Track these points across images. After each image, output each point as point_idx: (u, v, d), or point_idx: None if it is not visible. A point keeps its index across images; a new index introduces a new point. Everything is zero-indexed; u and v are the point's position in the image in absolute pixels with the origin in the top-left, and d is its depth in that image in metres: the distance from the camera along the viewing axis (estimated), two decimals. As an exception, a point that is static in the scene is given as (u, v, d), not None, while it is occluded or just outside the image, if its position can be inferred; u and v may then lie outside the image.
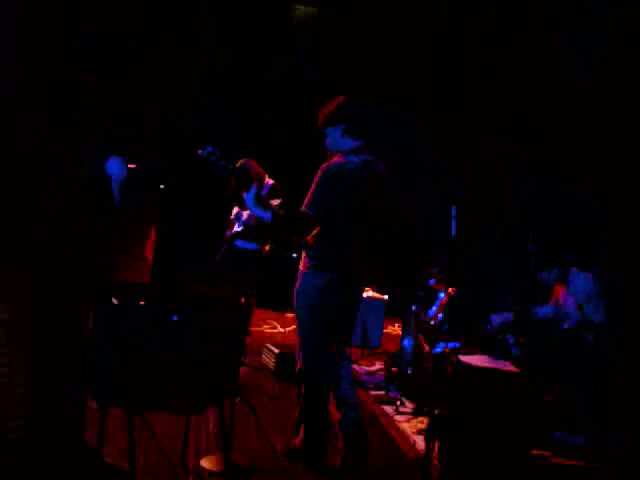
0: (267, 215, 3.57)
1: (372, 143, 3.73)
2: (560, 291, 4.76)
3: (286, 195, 5.27)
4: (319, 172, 3.58)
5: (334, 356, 3.71)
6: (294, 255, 5.47)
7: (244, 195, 3.56)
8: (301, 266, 3.72)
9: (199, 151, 3.55)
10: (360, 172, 3.60)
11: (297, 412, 3.83)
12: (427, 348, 4.68)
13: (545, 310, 4.89)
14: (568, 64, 6.40)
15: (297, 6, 8.46)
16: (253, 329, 6.64)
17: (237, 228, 5.61)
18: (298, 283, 3.70)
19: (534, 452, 3.68)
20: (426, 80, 8.30)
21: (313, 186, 3.57)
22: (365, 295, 6.61)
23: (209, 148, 3.55)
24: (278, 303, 7.81)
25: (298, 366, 3.74)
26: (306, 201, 3.57)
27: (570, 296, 4.66)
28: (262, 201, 3.64)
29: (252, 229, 5.47)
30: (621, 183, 5.67)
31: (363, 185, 3.62)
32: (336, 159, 3.64)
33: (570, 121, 6.31)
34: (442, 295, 4.98)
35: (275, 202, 5.04)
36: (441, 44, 8.38)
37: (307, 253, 3.68)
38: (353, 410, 3.69)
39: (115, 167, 4.22)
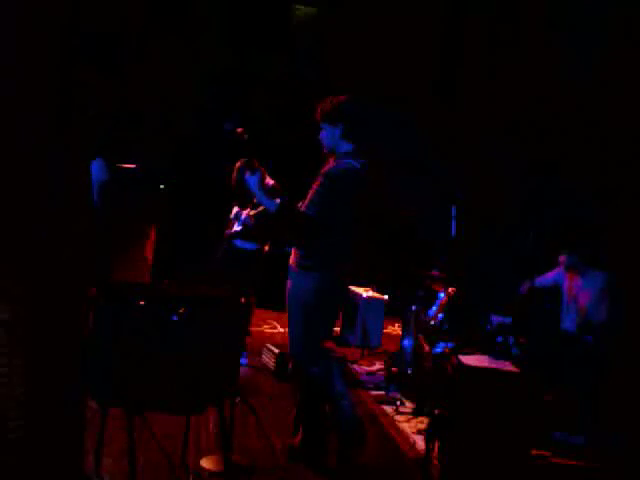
0: (272, 204, 3.60)
1: (369, 145, 3.77)
2: (573, 280, 4.75)
3: (286, 195, 5.27)
4: (321, 176, 3.62)
5: (327, 353, 3.74)
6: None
7: (248, 178, 3.58)
8: (292, 262, 3.73)
9: (226, 124, 3.59)
10: (361, 176, 3.65)
11: (295, 412, 3.84)
12: (427, 348, 4.69)
13: (547, 280, 4.90)
14: (568, 64, 6.40)
15: (297, 6, 8.46)
16: (253, 329, 6.64)
17: (236, 227, 5.62)
18: (291, 283, 3.72)
19: (534, 452, 3.68)
20: (426, 80, 8.29)
21: (315, 189, 3.59)
22: (365, 295, 6.61)
23: (232, 125, 3.61)
24: (278, 303, 7.79)
25: (290, 365, 3.75)
26: (307, 203, 3.58)
27: (584, 292, 4.65)
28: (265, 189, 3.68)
29: (251, 229, 5.47)
30: (621, 183, 5.68)
31: (362, 188, 3.67)
32: (337, 163, 3.67)
33: (570, 121, 6.31)
34: (442, 295, 4.98)
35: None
36: (441, 44, 8.38)
37: (301, 252, 3.69)
38: (347, 403, 3.69)
39: (96, 170, 4.27)
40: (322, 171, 3.65)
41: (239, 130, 3.64)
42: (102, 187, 4.25)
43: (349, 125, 3.66)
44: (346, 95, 3.73)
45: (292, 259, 3.75)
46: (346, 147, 3.68)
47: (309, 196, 3.61)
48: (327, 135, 3.70)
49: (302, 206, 3.63)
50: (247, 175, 3.60)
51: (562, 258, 4.79)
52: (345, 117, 3.66)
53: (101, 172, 4.23)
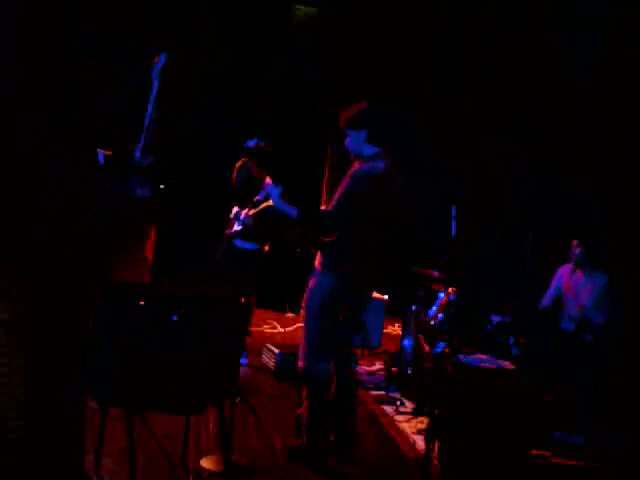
0: (293, 211, 3.68)
1: (390, 149, 3.84)
2: (575, 276, 4.73)
3: (286, 196, 5.27)
4: (347, 177, 3.71)
5: (338, 354, 3.78)
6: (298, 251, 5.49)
7: (271, 189, 3.70)
8: (316, 264, 3.78)
9: (248, 141, 3.73)
10: (385, 178, 3.73)
11: (297, 412, 3.85)
12: (427, 348, 4.69)
13: (551, 294, 4.87)
14: (568, 64, 6.40)
15: (297, 6, 8.46)
16: (253, 329, 6.64)
17: (236, 227, 5.62)
18: (312, 282, 3.77)
19: (534, 452, 3.68)
20: (426, 80, 8.29)
21: (341, 189, 3.69)
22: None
23: (255, 140, 3.74)
24: (278, 303, 7.81)
25: (300, 364, 3.77)
26: (333, 203, 3.68)
27: (585, 289, 4.64)
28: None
29: (250, 230, 5.47)
30: (621, 183, 5.67)
31: (386, 190, 3.74)
32: (362, 165, 3.74)
33: (570, 121, 6.31)
34: (442, 295, 4.98)
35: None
36: (441, 44, 8.38)
37: (324, 253, 3.75)
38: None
39: None
40: (348, 173, 3.75)
41: (262, 145, 3.77)
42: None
43: (373, 129, 3.73)
44: (365, 100, 3.82)
45: (317, 260, 3.80)
46: (370, 150, 3.77)
47: (335, 197, 3.70)
48: (352, 141, 3.80)
49: (328, 207, 3.74)
50: (270, 186, 3.69)
51: (575, 250, 4.75)
52: (369, 122, 3.76)
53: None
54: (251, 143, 3.77)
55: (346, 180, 3.71)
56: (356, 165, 3.78)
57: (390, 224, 3.87)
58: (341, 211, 3.65)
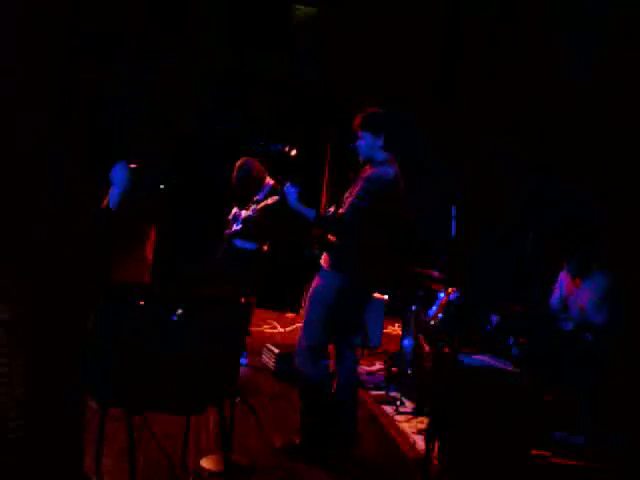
0: (310, 212, 3.70)
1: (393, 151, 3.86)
2: (575, 280, 4.73)
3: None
4: (362, 180, 3.73)
5: (321, 357, 3.80)
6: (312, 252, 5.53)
7: (289, 190, 3.72)
8: (324, 264, 3.78)
9: (272, 145, 3.82)
10: (395, 183, 3.77)
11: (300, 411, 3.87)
12: (427, 348, 4.68)
13: (556, 297, 4.86)
14: (568, 64, 6.39)
15: (297, 6, 8.46)
16: (253, 329, 6.64)
17: (236, 227, 5.61)
18: (317, 281, 3.78)
19: (534, 452, 3.68)
20: (426, 80, 8.29)
21: (356, 192, 3.70)
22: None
23: (280, 145, 3.84)
24: (278, 303, 7.82)
25: (297, 363, 3.79)
26: (347, 206, 3.69)
27: (585, 291, 4.64)
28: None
29: (250, 229, 5.47)
30: (621, 183, 5.67)
31: (395, 195, 3.78)
32: (375, 170, 3.77)
33: (570, 121, 6.30)
34: (442, 295, 4.98)
35: (273, 200, 5.07)
36: (441, 44, 8.38)
37: (334, 253, 3.76)
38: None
39: (121, 175, 4.50)
40: (361, 176, 3.77)
41: (286, 149, 3.84)
42: (124, 193, 4.50)
43: (388, 135, 3.80)
44: (372, 105, 3.87)
45: (324, 258, 3.81)
46: (383, 156, 3.81)
47: (349, 200, 3.72)
48: (367, 144, 3.82)
49: (342, 210, 3.75)
50: (287, 187, 3.70)
51: (569, 265, 4.75)
52: (386, 128, 3.83)
53: (125, 179, 4.49)
54: (277, 147, 3.83)
55: (360, 183, 3.73)
56: (367, 169, 3.80)
57: (394, 226, 3.88)
58: (356, 214, 3.67)
